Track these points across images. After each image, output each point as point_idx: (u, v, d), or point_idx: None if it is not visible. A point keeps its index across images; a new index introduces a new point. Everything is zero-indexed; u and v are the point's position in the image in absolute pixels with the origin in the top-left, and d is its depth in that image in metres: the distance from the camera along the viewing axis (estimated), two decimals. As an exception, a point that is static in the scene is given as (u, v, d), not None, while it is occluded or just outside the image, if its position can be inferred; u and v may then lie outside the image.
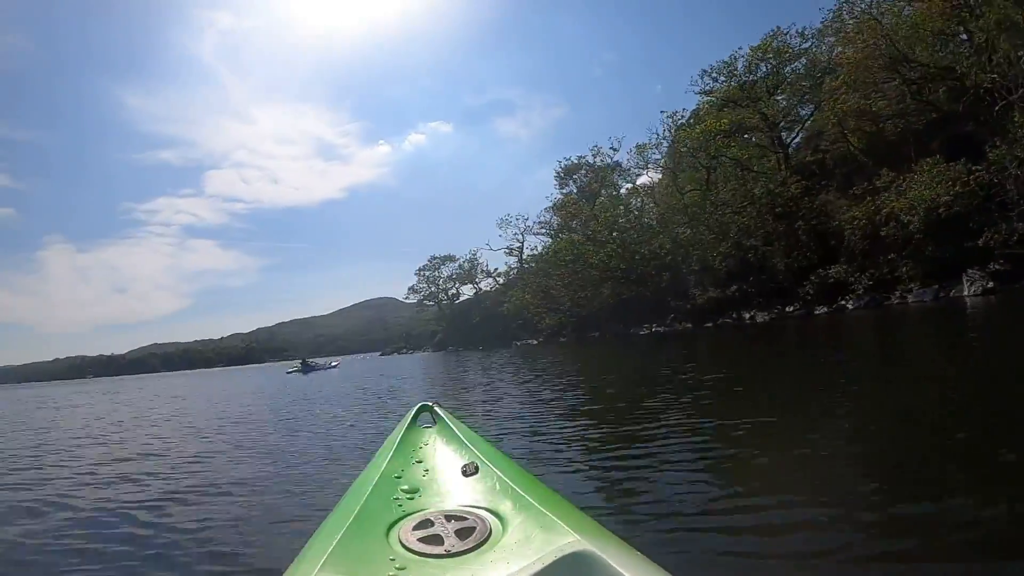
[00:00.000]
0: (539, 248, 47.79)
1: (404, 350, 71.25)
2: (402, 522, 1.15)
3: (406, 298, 64.28)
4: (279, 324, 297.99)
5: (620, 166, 42.39)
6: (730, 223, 29.34)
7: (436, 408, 1.76)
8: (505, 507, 1.18)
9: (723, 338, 19.70)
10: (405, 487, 1.32)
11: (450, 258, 61.57)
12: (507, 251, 53.12)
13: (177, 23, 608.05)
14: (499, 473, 1.30)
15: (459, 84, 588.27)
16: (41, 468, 5.61)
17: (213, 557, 2.58)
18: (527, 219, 52.55)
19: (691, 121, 32.73)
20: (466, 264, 60.67)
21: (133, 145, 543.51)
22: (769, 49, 28.93)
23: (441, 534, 1.08)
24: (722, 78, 31.24)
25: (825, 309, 23.25)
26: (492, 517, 1.14)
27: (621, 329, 33.19)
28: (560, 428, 5.12)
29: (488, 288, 58.63)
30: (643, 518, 2.53)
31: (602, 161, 43.23)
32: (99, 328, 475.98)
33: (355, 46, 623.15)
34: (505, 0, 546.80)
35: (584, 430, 4.94)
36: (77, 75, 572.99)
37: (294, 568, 0.99)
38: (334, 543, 1.04)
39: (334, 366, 32.90)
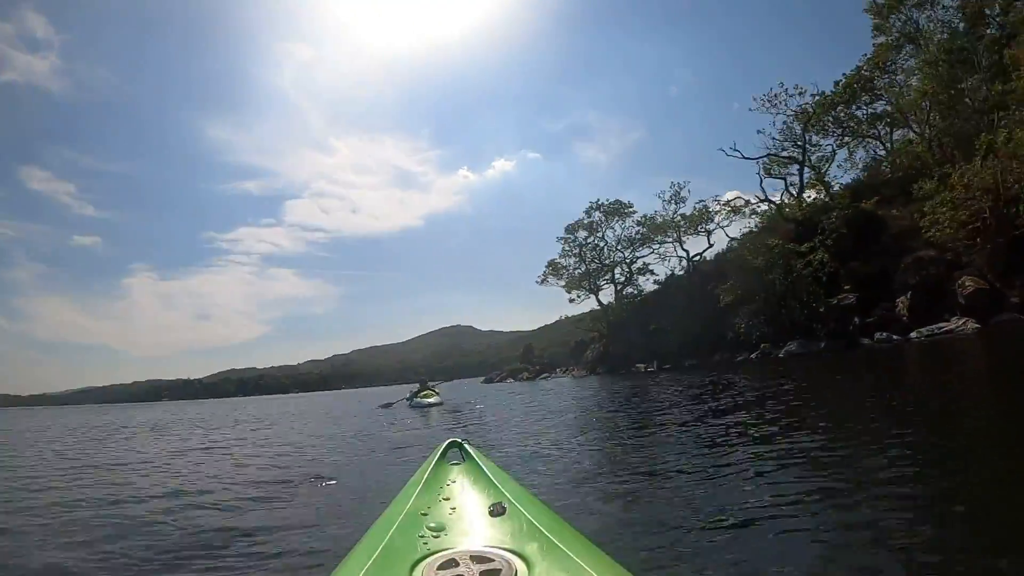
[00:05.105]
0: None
1: (524, 375, 52.05)
2: (426, 560, 1.12)
3: (539, 281, 39.37)
4: (355, 351, 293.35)
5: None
6: None
7: (465, 445, 1.72)
8: (531, 549, 1.13)
9: None
10: (431, 524, 1.28)
11: (621, 208, 34.42)
12: (766, 165, 28.79)
13: (257, 56, 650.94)
14: (527, 514, 1.27)
15: (541, 111, 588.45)
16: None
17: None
18: (803, 91, 27.56)
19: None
20: (669, 207, 32.03)
21: (216, 176, 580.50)
22: None
23: (465, 574, 1.05)
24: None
25: None
26: (518, 560, 1.10)
27: None
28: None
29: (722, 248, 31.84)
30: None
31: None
32: (182, 353, 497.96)
33: (431, 74, 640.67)
34: (579, 27, 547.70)
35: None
36: (163, 108, 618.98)
37: None
38: None
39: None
